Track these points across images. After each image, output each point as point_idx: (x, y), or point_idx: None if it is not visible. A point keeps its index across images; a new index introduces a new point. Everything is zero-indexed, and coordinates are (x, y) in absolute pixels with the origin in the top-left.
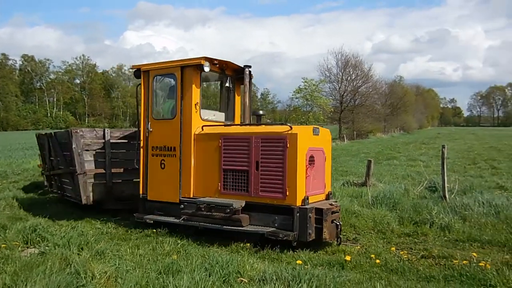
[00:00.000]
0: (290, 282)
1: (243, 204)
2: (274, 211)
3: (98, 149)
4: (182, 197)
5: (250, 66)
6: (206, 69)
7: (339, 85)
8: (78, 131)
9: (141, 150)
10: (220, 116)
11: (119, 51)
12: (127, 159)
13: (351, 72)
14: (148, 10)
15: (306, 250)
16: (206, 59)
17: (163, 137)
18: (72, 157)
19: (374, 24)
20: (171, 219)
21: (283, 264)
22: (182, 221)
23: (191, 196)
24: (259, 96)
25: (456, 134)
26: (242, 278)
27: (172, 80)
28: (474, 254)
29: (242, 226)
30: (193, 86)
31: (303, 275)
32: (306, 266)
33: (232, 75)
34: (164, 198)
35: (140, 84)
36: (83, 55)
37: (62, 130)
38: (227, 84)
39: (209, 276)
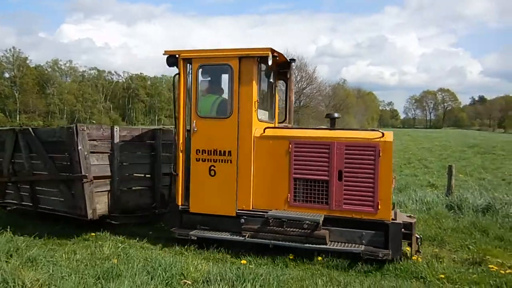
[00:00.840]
0: (235, 282)
1: (322, 218)
2: (360, 226)
3: (105, 151)
4: (239, 210)
5: (294, 60)
6: (270, 62)
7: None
8: (85, 128)
9: (180, 154)
10: (268, 115)
11: (55, 44)
12: (135, 163)
13: (296, 74)
14: (88, 3)
15: (251, 250)
16: (272, 50)
17: (213, 139)
18: (73, 161)
19: (319, 28)
20: (227, 236)
21: (227, 264)
22: (247, 238)
23: (251, 208)
24: None
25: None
26: (185, 280)
27: (220, 71)
28: (407, 248)
29: (326, 244)
30: (253, 80)
31: (247, 274)
32: (250, 266)
33: (275, 70)
34: (213, 210)
35: (178, 74)
36: (13, 48)
37: (51, 127)
38: (271, 80)
39: (151, 280)
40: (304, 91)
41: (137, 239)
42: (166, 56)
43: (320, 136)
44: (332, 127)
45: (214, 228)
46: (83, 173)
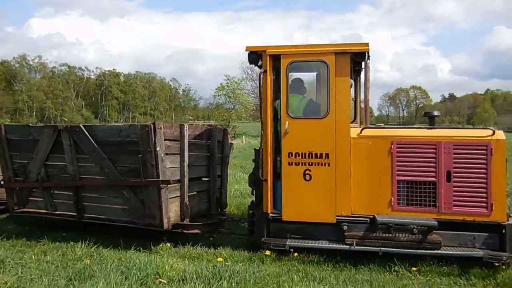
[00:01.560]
0: (211, 280)
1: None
2: (471, 229)
3: (175, 152)
4: (338, 216)
5: (369, 57)
6: (367, 58)
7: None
8: (161, 126)
9: (269, 157)
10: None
11: (24, 39)
12: (198, 165)
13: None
14: None
15: (227, 247)
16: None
17: (308, 140)
18: (148, 163)
19: (293, 25)
20: (330, 245)
21: (203, 262)
22: (353, 246)
23: (350, 214)
24: (181, 92)
25: None
26: (161, 279)
27: (307, 69)
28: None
29: (440, 249)
30: (349, 77)
31: (223, 272)
32: (227, 263)
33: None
34: (309, 217)
35: (264, 71)
36: None
37: (114, 124)
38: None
39: (126, 280)
40: None
41: (110, 239)
42: (248, 52)
43: (426, 136)
44: (432, 126)
45: (308, 236)
46: (160, 178)
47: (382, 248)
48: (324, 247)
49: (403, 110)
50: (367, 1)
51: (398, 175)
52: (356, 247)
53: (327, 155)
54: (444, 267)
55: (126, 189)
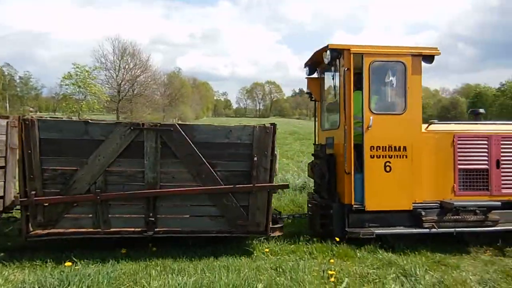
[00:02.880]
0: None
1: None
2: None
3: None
4: (414, 203)
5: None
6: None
7: (116, 73)
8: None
9: (352, 151)
10: None
11: None
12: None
13: (129, 61)
14: None
15: (77, 250)
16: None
17: (388, 135)
18: (260, 167)
19: (153, 15)
20: (409, 230)
21: (47, 269)
22: (433, 229)
23: (422, 201)
24: (17, 80)
25: (229, 123)
26: None
27: (386, 68)
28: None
29: (495, 226)
30: (420, 77)
31: (72, 277)
32: (76, 267)
33: None
34: (389, 206)
35: (348, 68)
36: None
37: (216, 125)
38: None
39: None
40: (138, 79)
41: None
42: (330, 49)
43: (480, 130)
44: (477, 121)
45: (385, 224)
46: (272, 182)
47: (456, 229)
48: (409, 233)
49: (259, 103)
50: None
51: (459, 164)
52: (433, 230)
53: (404, 147)
54: (292, 245)
55: (227, 196)
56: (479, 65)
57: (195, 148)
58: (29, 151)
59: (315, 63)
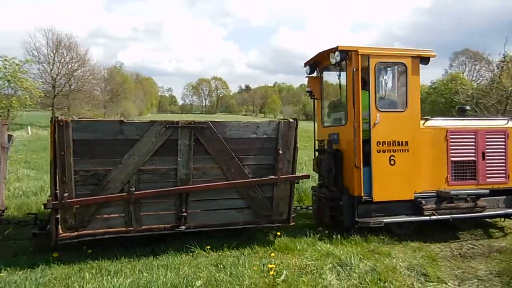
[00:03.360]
0: None
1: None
2: (496, 194)
3: None
4: (415, 193)
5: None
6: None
7: (51, 67)
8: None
9: (361, 146)
10: None
11: None
12: None
13: (65, 54)
14: None
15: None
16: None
17: (392, 130)
18: (284, 160)
19: (92, 6)
20: (408, 218)
21: None
22: (432, 215)
23: (420, 191)
24: None
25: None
26: None
27: (388, 68)
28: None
29: (483, 212)
30: (418, 77)
31: None
32: (1, 275)
33: None
34: (393, 197)
35: (356, 69)
36: None
37: (247, 121)
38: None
39: None
40: (75, 73)
41: None
42: (339, 50)
43: (468, 125)
44: (464, 117)
45: (389, 213)
46: (295, 173)
47: (451, 216)
48: (412, 220)
49: (205, 100)
50: None
51: (451, 156)
52: (432, 217)
53: (406, 142)
54: (234, 242)
55: (254, 189)
56: None
57: (225, 144)
58: (62, 153)
59: (315, 63)
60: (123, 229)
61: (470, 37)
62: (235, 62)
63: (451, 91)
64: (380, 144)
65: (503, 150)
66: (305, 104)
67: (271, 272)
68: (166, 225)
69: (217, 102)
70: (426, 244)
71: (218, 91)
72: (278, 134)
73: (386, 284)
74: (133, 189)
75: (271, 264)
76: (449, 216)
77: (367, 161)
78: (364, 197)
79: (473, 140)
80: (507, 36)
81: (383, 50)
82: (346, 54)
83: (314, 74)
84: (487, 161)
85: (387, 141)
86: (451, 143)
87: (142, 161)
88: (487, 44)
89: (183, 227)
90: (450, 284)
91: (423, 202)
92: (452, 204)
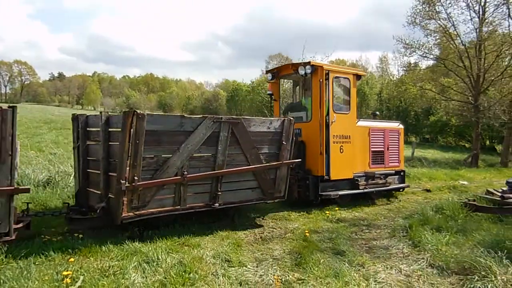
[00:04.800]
0: None
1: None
2: (394, 174)
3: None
4: (353, 174)
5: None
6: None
7: None
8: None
9: (324, 139)
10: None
11: None
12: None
13: None
14: None
15: None
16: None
17: (342, 127)
18: (285, 149)
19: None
20: (351, 191)
21: None
22: (364, 189)
23: (356, 172)
24: None
25: None
26: None
27: (338, 81)
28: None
29: (389, 186)
30: (355, 89)
31: None
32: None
33: None
34: (341, 176)
35: (321, 80)
36: None
37: (262, 117)
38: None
39: None
40: None
41: None
42: (311, 65)
43: (381, 125)
44: (375, 119)
45: (337, 189)
46: (290, 159)
47: (375, 189)
48: (354, 193)
49: (6, 87)
50: None
51: (371, 147)
52: (364, 190)
53: (349, 136)
54: (24, 250)
55: (265, 172)
56: (236, 63)
57: (250, 136)
58: (137, 141)
59: (278, 72)
60: (172, 208)
61: (282, 43)
62: (45, 46)
63: (266, 91)
64: (335, 137)
65: (397, 144)
66: (129, 96)
67: (66, 280)
68: (202, 204)
69: (22, 90)
70: (233, 232)
71: (23, 78)
72: (283, 129)
73: (191, 274)
74: (186, 173)
75: (67, 270)
76: (373, 189)
77: (326, 150)
78: (326, 177)
79: (382, 136)
80: (304, 45)
81: (338, 67)
82: (315, 68)
83: (273, 80)
84: (389, 151)
85: (339, 135)
86: (371, 138)
87: (194, 149)
88: (296, 51)
89: (217, 204)
90: (249, 267)
91: (359, 179)
92: (374, 181)
